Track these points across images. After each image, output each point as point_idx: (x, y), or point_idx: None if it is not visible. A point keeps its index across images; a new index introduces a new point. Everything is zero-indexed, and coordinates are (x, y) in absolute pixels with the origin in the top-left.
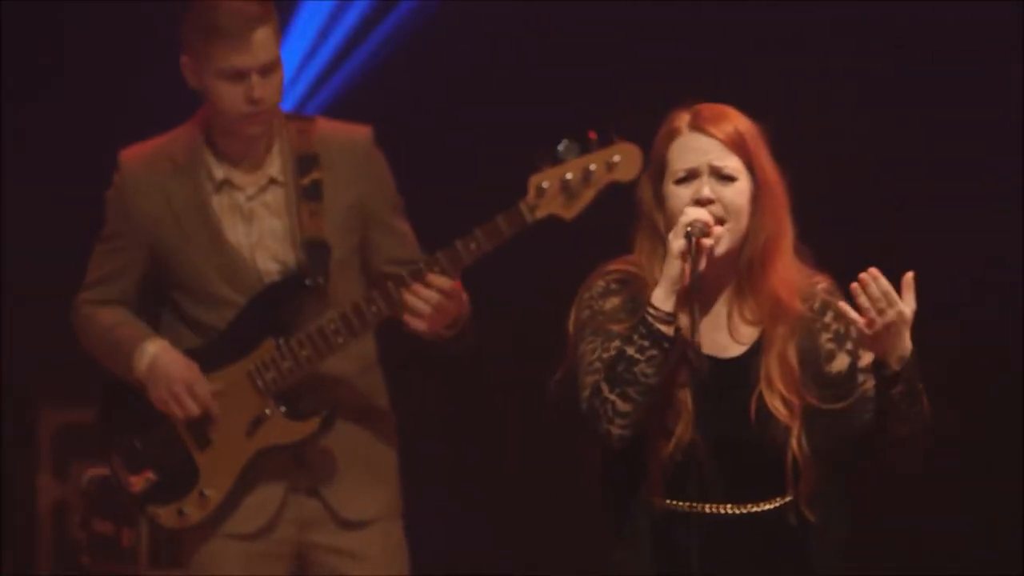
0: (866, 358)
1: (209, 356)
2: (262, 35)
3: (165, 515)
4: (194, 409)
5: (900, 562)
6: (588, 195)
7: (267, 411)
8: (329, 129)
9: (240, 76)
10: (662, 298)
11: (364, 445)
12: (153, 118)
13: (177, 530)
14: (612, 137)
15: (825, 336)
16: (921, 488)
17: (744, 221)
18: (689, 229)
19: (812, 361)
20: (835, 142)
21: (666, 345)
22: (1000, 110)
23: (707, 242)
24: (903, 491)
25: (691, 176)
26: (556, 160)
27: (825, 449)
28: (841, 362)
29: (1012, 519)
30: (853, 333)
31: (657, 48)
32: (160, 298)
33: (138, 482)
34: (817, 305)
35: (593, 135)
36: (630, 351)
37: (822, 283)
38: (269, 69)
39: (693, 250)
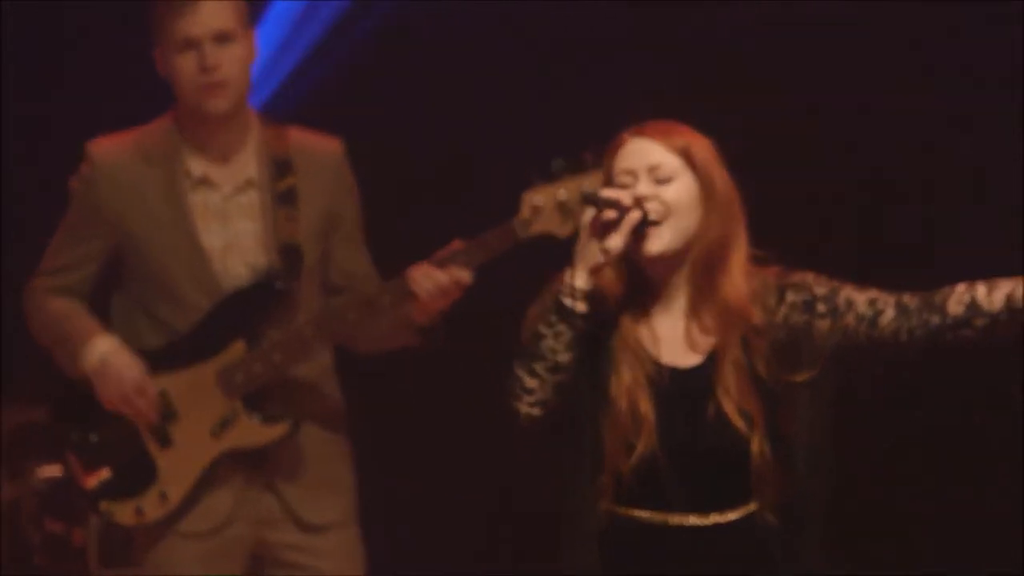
0: (842, 295)
1: (174, 354)
2: (213, 2)
3: (120, 512)
4: (143, 410)
5: (899, 562)
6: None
7: (235, 412)
8: (303, 137)
9: (191, 44)
10: (572, 273)
11: (323, 449)
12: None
13: (133, 528)
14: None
15: (794, 317)
16: (921, 487)
17: (689, 222)
18: (586, 194)
19: (792, 348)
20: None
21: (575, 321)
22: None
23: (609, 214)
24: (902, 491)
25: (631, 180)
26: (550, 178)
27: (809, 438)
28: (822, 326)
29: (1012, 519)
30: (819, 293)
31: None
32: (115, 284)
33: (92, 479)
34: (773, 300)
35: (588, 156)
36: (540, 327)
37: (771, 275)
38: (225, 38)
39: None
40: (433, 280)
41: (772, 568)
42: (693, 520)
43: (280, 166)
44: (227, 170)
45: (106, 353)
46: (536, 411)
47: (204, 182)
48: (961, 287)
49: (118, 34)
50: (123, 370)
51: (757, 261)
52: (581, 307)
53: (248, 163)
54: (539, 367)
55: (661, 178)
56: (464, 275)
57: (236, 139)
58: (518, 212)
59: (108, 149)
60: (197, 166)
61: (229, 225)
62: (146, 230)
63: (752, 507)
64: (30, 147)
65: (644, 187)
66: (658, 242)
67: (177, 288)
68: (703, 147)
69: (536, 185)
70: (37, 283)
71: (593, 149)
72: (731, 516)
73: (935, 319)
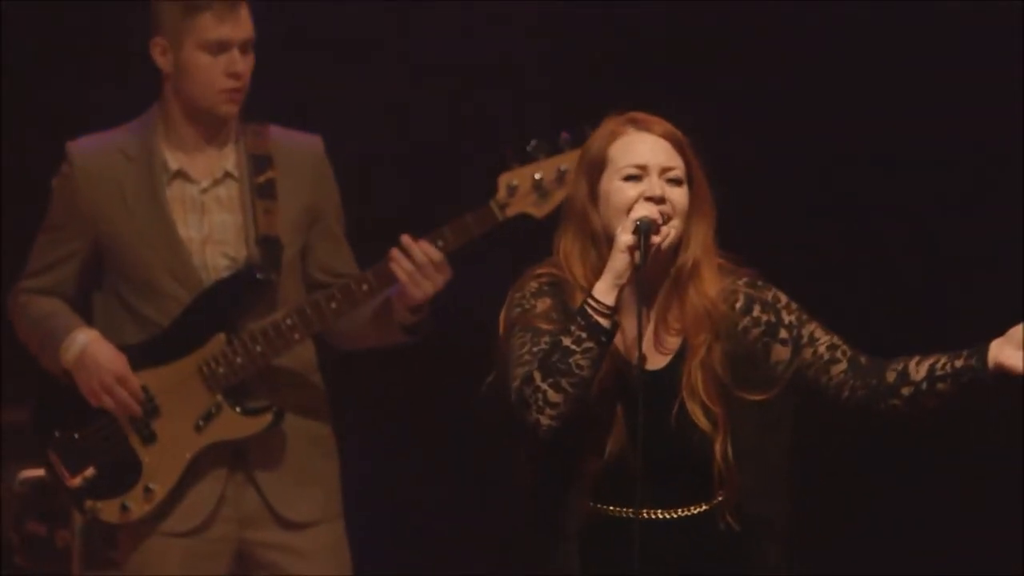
0: (807, 328)
1: (156, 350)
2: (245, 11)
3: (106, 510)
4: (125, 399)
5: (899, 561)
6: (561, 194)
7: (217, 405)
8: (283, 134)
9: (224, 48)
10: (603, 291)
11: (305, 446)
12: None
13: (118, 526)
14: (586, 137)
15: (755, 332)
16: (921, 487)
17: (682, 226)
18: (639, 223)
19: (746, 362)
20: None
21: (603, 339)
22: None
23: (656, 239)
24: (903, 491)
25: (640, 173)
26: (526, 159)
27: (759, 449)
28: (780, 352)
29: (1012, 519)
30: (786, 319)
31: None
32: (96, 283)
33: (77, 478)
34: (740, 303)
35: (566, 135)
36: (566, 341)
37: (744, 278)
38: (247, 47)
39: (642, 245)
40: (411, 254)
41: (739, 560)
42: (659, 515)
43: (260, 161)
44: (204, 164)
45: (86, 344)
46: (557, 424)
47: (181, 175)
48: (904, 357)
49: (109, 37)
50: (103, 360)
51: (729, 260)
52: (609, 324)
53: (227, 157)
54: (565, 382)
55: (672, 179)
56: (435, 253)
57: (217, 135)
58: (495, 194)
59: (86, 147)
60: (174, 160)
61: (207, 217)
62: (124, 225)
63: (717, 501)
64: (27, 146)
65: (657, 187)
66: (665, 241)
67: (157, 282)
68: (691, 146)
69: (512, 167)
70: (21, 286)
71: (570, 131)
72: (695, 510)
73: (873, 381)
